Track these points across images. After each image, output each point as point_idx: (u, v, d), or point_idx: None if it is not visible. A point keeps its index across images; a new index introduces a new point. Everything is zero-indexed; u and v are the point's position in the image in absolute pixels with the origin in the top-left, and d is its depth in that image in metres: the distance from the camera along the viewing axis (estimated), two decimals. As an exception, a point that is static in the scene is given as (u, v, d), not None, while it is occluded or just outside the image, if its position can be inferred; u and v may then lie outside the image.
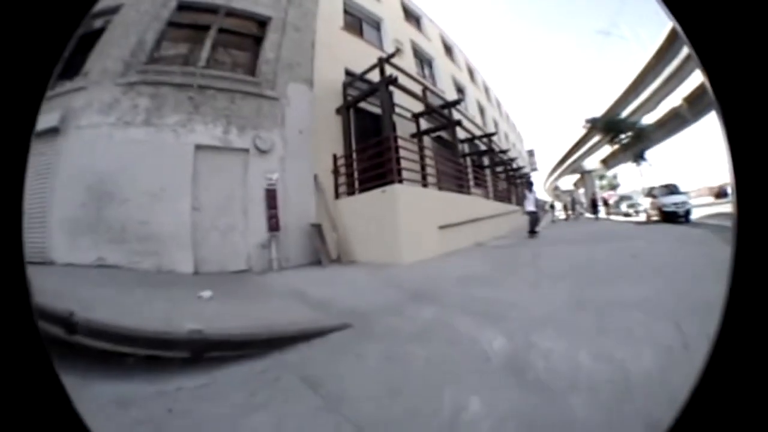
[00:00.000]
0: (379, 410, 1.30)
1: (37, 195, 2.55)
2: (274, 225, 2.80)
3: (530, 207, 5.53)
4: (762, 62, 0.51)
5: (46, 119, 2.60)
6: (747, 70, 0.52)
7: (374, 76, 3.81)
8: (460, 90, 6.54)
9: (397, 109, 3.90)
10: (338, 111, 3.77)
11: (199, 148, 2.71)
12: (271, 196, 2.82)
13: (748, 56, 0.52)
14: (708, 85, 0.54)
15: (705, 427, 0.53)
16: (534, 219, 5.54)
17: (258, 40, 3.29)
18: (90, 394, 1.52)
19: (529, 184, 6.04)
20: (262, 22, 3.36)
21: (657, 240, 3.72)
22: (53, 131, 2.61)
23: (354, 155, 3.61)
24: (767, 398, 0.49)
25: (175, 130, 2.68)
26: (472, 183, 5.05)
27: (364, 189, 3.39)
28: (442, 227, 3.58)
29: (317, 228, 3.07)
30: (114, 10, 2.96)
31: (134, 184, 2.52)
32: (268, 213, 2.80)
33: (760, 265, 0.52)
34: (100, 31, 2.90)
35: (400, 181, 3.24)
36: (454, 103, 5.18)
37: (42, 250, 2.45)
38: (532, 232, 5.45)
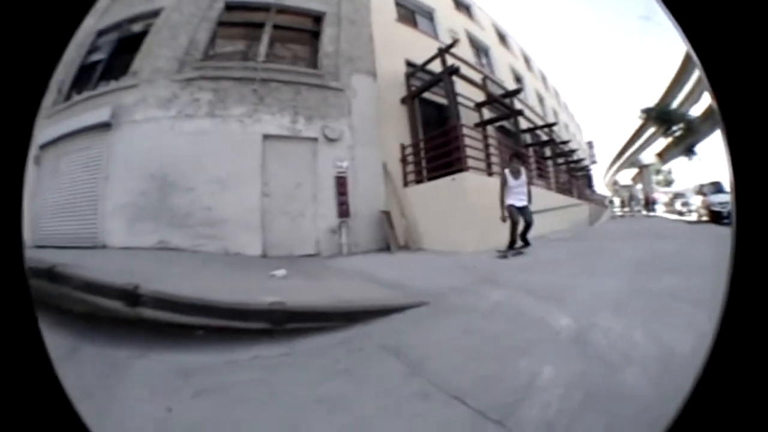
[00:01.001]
0: (459, 376, 1.46)
1: (86, 185, 2.79)
2: (344, 211, 2.91)
3: (517, 200, 3.29)
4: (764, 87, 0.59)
5: (93, 115, 2.89)
6: (752, 93, 0.59)
7: (434, 66, 3.89)
8: (518, 79, 6.40)
9: (459, 99, 3.91)
10: (403, 101, 3.86)
11: (267, 137, 2.83)
12: (341, 183, 2.94)
13: (754, 82, 0.58)
14: (716, 106, 0.61)
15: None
16: (526, 221, 3.28)
17: (315, 35, 3.40)
18: (146, 363, 1.68)
19: (516, 161, 3.46)
20: (317, 17, 3.47)
21: (698, 239, 4.05)
22: (104, 126, 2.84)
23: (421, 144, 3.69)
24: (763, 390, 0.57)
25: (242, 121, 2.81)
26: (535, 174, 4.92)
27: (432, 177, 3.46)
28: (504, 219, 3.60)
29: (386, 215, 3.15)
30: (153, 14, 3.18)
31: (200, 172, 2.66)
32: (338, 199, 2.92)
33: (757, 260, 0.59)
34: (142, 34, 3.12)
35: (468, 170, 3.30)
36: (515, 93, 5.08)
37: (93, 235, 2.68)
38: (522, 241, 3.26)
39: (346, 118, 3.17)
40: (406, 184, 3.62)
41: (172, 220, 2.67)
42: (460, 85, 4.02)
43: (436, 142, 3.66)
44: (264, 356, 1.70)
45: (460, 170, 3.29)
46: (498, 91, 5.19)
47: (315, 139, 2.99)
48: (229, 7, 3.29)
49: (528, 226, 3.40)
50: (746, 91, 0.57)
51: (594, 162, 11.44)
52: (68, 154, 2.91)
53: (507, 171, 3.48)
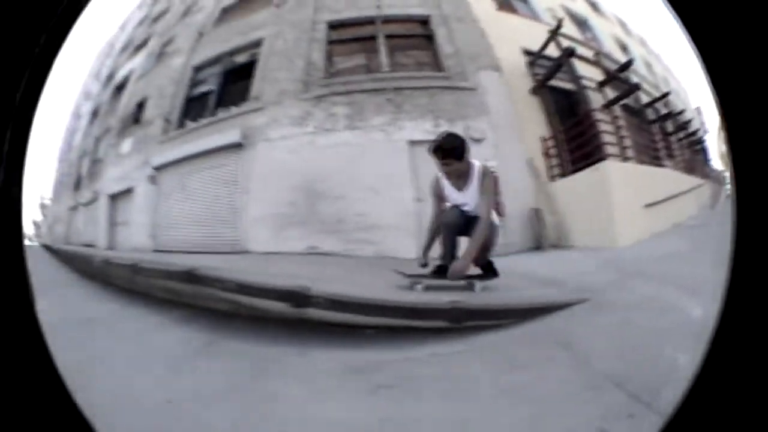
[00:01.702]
0: (620, 363, 1.69)
1: (223, 198, 3.15)
2: (497, 211, 2.82)
3: (464, 198, 2.34)
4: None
5: (219, 138, 3.24)
6: (754, 91, 0.63)
7: (549, 51, 3.85)
8: (623, 48, 6.08)
9: (583, 81, 3.88)
10: (533, 91, 3.85)
11: (412, 143, 2.98)
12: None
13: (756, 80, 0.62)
14: (717, 105, 0.67)
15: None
16: (485, 244, 2.28)
17: (429, 38, 3.51)
18: (309, 361, 1.87)
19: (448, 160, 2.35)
20: (423, 21, 3.58)
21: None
22: (235, 146, 3.17)
23: (559, 135, 3.64)
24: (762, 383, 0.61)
25: (384, 130, 2.98)
26: (663, 154, 4.65)
27: (575, 169, 3.42)
28: (647, 206, 3.45)
29: (537, 212, 3.17)
30: (254, 45, 3.45)
31: (348, 181, 2.87)
32: None
33: (757, 257, 0.62)
34: (249, 63, 3.41)
35: (607, 157, 3.28)
36: (628, 65, 4.82)
37: (235, 242, 2.97)
38: (483, 272, 2.26)
39: (486, 117, 3.24)
40: (552, 178, 3.57)
41: (323, 226, 2.89)
42: (579, 67, 3.94)
43: (572, 132, 3.64)
44: (441, 353, 1.87)
45: (600, 159, 3.27)
46: (611, 66, 5.00)
47: (460, 141, 3.10)
48: (333, 27, 3.48)
49: (487, 247, 2.23)
50: (748, 89, 0.59)
51: (706, 131, 10.31)
52: (196, 172, 3.31)
53: (441, 176, 2.36)
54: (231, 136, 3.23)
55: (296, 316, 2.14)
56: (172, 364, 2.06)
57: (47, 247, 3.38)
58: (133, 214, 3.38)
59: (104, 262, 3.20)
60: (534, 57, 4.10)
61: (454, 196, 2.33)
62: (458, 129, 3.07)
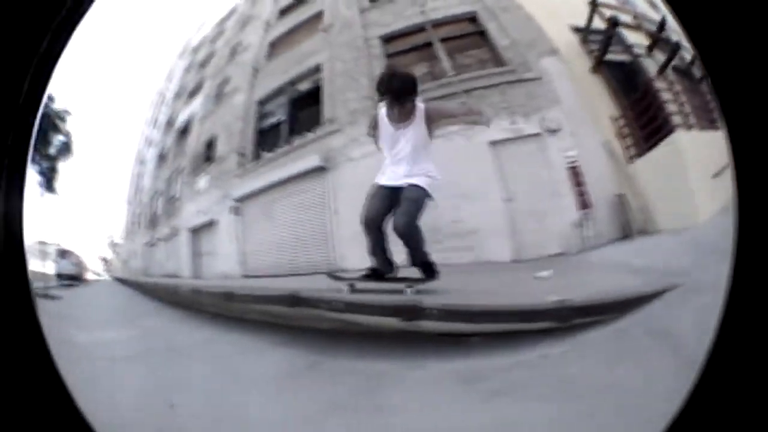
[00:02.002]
0: (705, 345, 1.58)
1: (313, 221, 3.22)
2: (584, 202, 2.93)
3: (392, 174, 1.96)
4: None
5: (300, 164, 3.33)
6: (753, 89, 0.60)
7: (595, 24, 3.67)
8: (652, 5, 5.93)
9: (635, 51, 3.76)
10: (592, 70, 3.79)
11: (493, 143, 3.07)
12: (575, 174, 2.99)
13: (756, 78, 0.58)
14: (717, 103, 0.64)
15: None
16: (398, 227, 1.90)
17: (482, 34, 3.51)
18: (423, 374, 1.92)
19: (406, 88, 2.01)
20: (471, 18, 3.56)
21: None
22: (317, 170, 3.27)
23: (627, 112, 3.60)
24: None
25: (463, 134, 3.05)
26: (717, 114, 4.57)
27: (650, 146, 3.37)
28: (715, 175, 3.48)
29: (621, 198, 3.14)
30: (314, 71, 3.51)
31: (437, 189, 2.90)
32: (576, 191, 2.95)
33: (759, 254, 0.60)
34: (314, 89, 3.49)
35: (676, 129, 3.21)
36: (663, 23, 4.76)
37: (329, 263, 3.00)
38: (417, 265, 1.97)
39: (558, 105, 3.27)
40: (629, 159, 3.50)
41: (417, 237, 3.10)
42: (625, 35, 3.83)
43: (638, 107, 3.57)
44: (550, 354, 1.95)
45: (670, 131, 3.21)
46: (651, 27, 4.92)
47: (538, 134, 3.14)
48: (386, 40, 3.52)
49: (404, 237, 1.73)
50: (748, 87, 0.61)
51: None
52: (280, 199, 3.43)
53: (382, 109, 1.88)
54: (311, 160, 3.34)
55: (407, 330, 2.23)
56: (279, 384, 2.16)
57: (122, 280, 3.51)
58: (219, 245, 3.54)
59: (192, 291, 3.30)
60: (584, 33, 3.99)
61: (387, 132, 1.94)
62: (534, 122, 3.15)
